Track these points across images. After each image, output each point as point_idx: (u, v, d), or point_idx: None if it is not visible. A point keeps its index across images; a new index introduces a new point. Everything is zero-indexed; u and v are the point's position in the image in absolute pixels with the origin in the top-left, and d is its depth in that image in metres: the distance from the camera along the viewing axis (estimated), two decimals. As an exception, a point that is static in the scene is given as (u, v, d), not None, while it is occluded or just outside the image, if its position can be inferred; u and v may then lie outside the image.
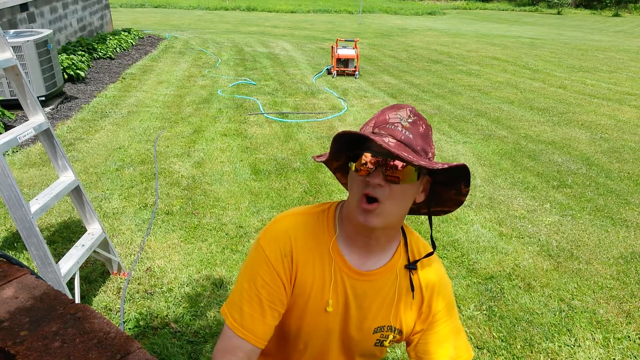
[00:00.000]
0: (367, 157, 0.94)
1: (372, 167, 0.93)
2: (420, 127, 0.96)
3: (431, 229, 1.11)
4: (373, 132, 0.96)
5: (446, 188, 1.05)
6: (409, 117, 0.96)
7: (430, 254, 1.10)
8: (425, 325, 1.11)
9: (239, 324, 1.01)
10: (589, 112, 6.88)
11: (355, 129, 1.10)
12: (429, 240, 1.12)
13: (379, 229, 0.99)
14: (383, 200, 0.94)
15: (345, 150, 1.01)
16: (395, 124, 0.95)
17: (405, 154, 0.90)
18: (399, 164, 0.92)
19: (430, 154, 0.97)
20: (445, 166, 0.91)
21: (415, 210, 1.11)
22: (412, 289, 1.09)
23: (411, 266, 1.09)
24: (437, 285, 1.11)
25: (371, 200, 0.95)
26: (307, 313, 1.07)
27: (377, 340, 1.11)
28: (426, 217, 1.13)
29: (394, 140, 0.93)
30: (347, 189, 1.05)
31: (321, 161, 1.03)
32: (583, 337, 2.38)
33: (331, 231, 1.07)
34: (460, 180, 1.01)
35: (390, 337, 1.11)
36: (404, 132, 0.94)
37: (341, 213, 1.08)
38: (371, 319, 1.09)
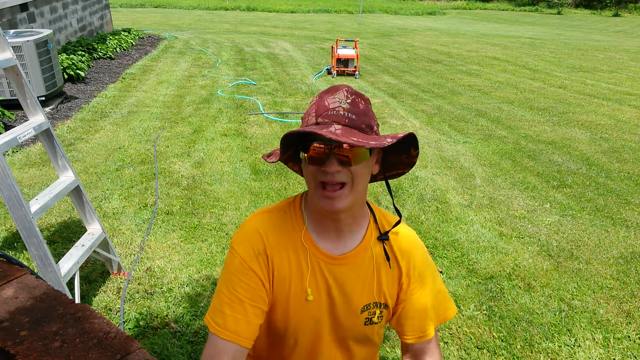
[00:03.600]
0: (317, 146, 0.95)
1: (324, 155, 0.94)
2: (360, 105, 0.98)
3: (392, 198, 1.15)
4: (317, 123, 0.96)
5: (397, 153, 1.09)
6: (347, 97, 0.97)
7: (398, 222, 1.13)
8: (407, 294, 1.13)
9: (223, 327, 1.01)
10: (589, 112, 6.88)
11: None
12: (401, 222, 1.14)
13: (345, 211, 1.01)
14: (347, 182, 0.96)
15: (295, 143, 1.02)
16: (337, 109, 0.95)
17: (355, 139, 0.90)
18: (341, 140, 0.93)
19: (375, 127, 1.00)
20: (394, 141, 0.93)
21: (372, 179, 1.13)
22: (388, 259, 1.11)
23: (383, 237, 1.11)
24: (411, 251, 1.14)
25: (334, 186, 0.96)
26: (291, 306, 1.08)
27: (365, 319, 1.12)
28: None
29: (340, 126, 0.94)
30: (302, 176, 1.08)
31: (272, 161, 1.04)
32: (583, 337, 2.38)
33: (300, 222, 1.08)
34: (409, 146, 1.05)
35: (377, 312, 1.13)
36: (346, 114, 0.95)
37: (306, 203, 1.10)
38: (356, 299, 1.10)
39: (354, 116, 0.95)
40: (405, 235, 1.15)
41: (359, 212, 1.08)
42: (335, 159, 0.94)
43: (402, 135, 0.94)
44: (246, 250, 1.05)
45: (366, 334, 1.15)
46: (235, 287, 1.03)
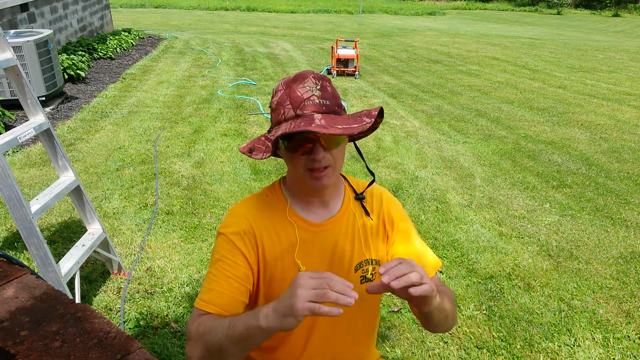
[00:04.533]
0: (307, 138, 1.00)
1: (312, 145, 1.01)
2: (328, 88, 1.04)
3: (364, 161, 1.28)
4: (296, 115, 1.01)
5: None
6: (316, 84, 1.03)
7: (372, 182, 1.23)
8: (394, 240, 1.21)
9: (207, 302, 1.04)
10: (589, 112, 6.88)
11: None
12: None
13: (331, 186, 1.11)
14: (331, 164, 1.04)
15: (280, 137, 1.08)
16: (311, 98, 1.00)
17: (339, 126, 0.97)
18: (331, 132, 0.97)
19: (342, 103, 1.07)
20: (372, 120, 1.00)
21: None
22: (368, 213, 1.20)
23: (360, 196, 1.21)
24: (389, 204, 1.23)
25: (320, 168, 1.03)
26: (288, 281, 1.11)
27: (360, 277, 1.18)
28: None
29: (320, 115, 0.99)
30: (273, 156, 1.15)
31: (258, 158, 1.09)
32: (583, 337, 2.39)
33: (283, 202, 1.16)
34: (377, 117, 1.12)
35: (370, 269, 1.19)
36: (322, 101, 1.01)
37: (286, 185, 1.18)
38: (348, 259, 1.16)
39: (327, 102, 1.01)
40: (380, 193, 1.25)
41: (338, 181, 1.18)
42: (321, 146, 1.01)
43: (375, 112, 1.02)
44: (232, 232, 1.10)
45: (364, 296, 1.18)
46: (223, 265, 1.08)
